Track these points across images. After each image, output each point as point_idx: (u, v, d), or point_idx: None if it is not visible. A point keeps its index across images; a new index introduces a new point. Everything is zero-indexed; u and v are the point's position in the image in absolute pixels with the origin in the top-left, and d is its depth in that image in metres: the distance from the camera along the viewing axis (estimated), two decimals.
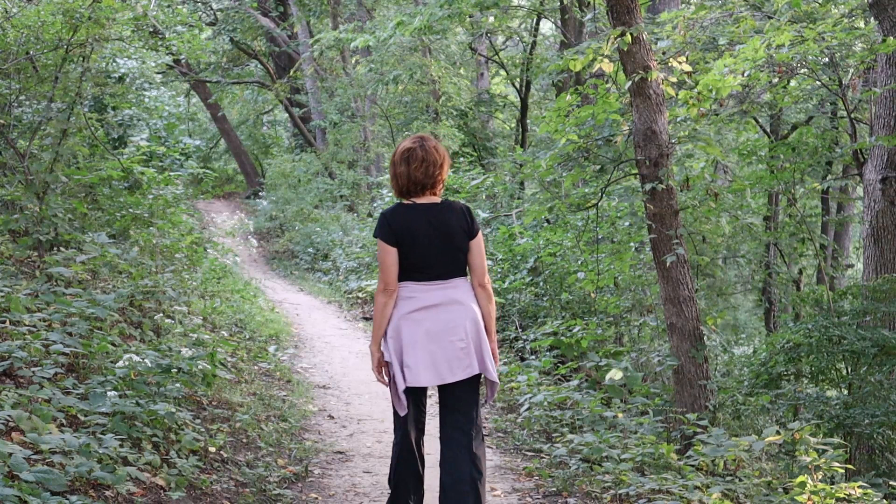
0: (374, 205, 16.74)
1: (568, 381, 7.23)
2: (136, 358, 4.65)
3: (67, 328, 4.96)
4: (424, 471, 3.84)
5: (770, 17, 7.46)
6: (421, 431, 3.84)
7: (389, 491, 3.81)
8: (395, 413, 3.78)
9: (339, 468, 5.15)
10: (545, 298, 9.86)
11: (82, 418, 4.14)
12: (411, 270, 3.70)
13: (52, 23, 6.83)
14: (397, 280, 3.70)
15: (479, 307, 3.76)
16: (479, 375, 3.74)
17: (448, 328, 3.67)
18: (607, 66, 6.19)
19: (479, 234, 3.77)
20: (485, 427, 6.34)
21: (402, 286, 3.72)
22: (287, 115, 24.46)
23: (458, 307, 3.70)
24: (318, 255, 16.96)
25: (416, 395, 3.78)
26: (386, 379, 3.77)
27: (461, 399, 3.74)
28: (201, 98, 23.43)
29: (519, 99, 18.97)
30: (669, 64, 6.30)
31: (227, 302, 9.43)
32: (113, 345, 5.19)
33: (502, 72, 20.96)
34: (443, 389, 3.76)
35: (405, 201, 3.76)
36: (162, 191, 8.66)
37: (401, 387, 3.67)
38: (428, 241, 3.68)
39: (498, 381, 3.80)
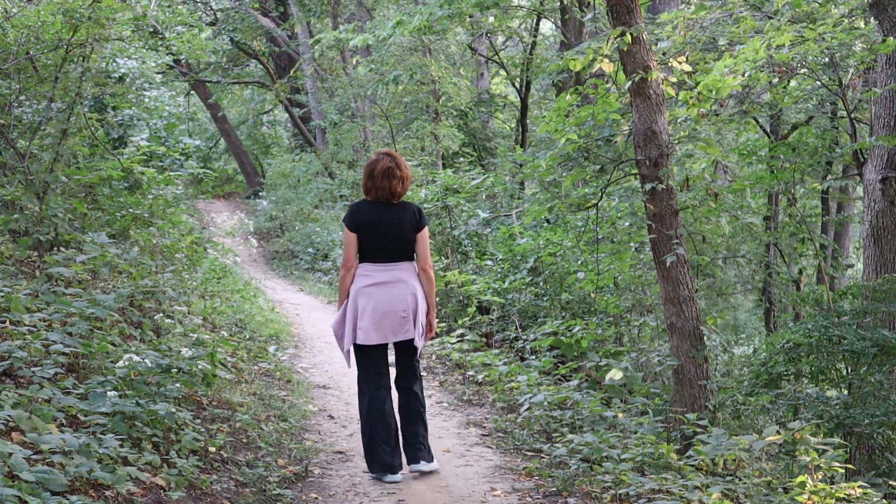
0: None
1: (568, 381, 7.22)
2: (136, 358, 4.64)
3: (67, 328, 4.96)
4: (396, 419, 4.82)
5: (770, 18, 7.46)
6: (388, 388, 4.83)
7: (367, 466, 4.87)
8: (360, 382, 4.83)
9: (339, 468, 5.15)
10: (545, 298, 9.85)
11: (82, 418, 4.13)
12: (368, 253, 4.69)
13: (52, 23, 6.82)
14: (356, 260, 4.74)
15: (421, 286, 4.74)
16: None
17: (394, 301, 4.67)
18: (607, 66, 6.19)
19: (426, 229, 4.75)
20: (484, 426, 6.35)
21: (361, 266, 4.72)
22: (287, 115, 24.46)
23: (402, 285, 4.69)
24: (318, 255, 16.96)
25: (375, 353, 4.81)
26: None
27: (407, 355, 4.88)
28: (201, 98, 23.43)
29: (519, 99, 18.97)
30: (669, 64, 6.30)
31: (227, 302, 9.43)
32: (113, 345, 5.19)
33: (502, 72, 20.97)
34: (396, 347, 4.85)
35: (369, 199, 4.72)
36: (162, 191, 8.66)
37: (347, 345, 4.79)
38: (382, 232, 4.65)
39: (420, 346, 4.83)
